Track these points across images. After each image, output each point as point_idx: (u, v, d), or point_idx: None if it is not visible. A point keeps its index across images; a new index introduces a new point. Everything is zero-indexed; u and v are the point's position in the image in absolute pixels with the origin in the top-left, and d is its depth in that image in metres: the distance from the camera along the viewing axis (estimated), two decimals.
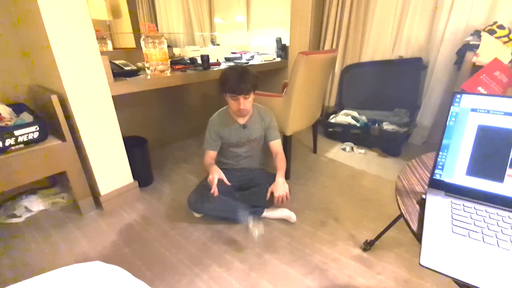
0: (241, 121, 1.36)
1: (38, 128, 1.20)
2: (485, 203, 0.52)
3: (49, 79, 1.30)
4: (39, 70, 1.40)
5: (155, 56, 1.53)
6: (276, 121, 1.45)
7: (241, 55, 2.41)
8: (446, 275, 0.38)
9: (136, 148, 1.60)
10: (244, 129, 1.37)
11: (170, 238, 1.28)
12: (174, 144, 2.40)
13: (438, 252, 0.42)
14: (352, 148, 2.21)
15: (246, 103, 1.24)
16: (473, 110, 0.55)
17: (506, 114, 0.52)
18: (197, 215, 1.41)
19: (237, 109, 1.25)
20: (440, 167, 0.57)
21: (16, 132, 1.13)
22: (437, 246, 0.43)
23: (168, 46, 1.80)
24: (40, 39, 1.16)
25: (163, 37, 1.53)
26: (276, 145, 1.43)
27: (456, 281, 0.38)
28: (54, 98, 1.20)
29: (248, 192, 1.38)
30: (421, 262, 0.40)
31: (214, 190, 1.17)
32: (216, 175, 1.19)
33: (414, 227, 0.49)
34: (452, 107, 0.56)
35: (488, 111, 0.53)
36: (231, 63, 2.16)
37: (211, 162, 1.34)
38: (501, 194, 0.51)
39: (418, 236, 0.46)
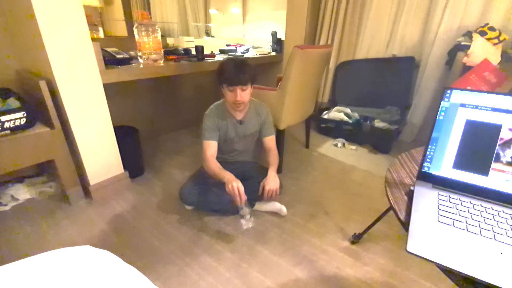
0: (238, 116, 1.33)
1: (25, 114, 1.17)
2: (470, 195, 0.54)
3: (38, 64, 1.26)
4: (28, 54, 1.35)
5: (148, 44, 1.50)
6: (271, 116, 1.45)
7: (236, 47, 2.39)
8: (431, 261, 0.39)
9: (127, 138, 1.58)
10: (241, 124, 1.34)
11: (160, 228, 1.28)
12: (166, 135, 2.38)
13: (424, 239, 0.43)
14: (343, 144, 2.24)
15: (243, 94, 1.21)
16: (462, 105, 0.56)
17: (493, 110, 0.54)
18: (188, 207, 1.40)
19: (233, 101, 1.22)
20: (429, 160, 0.58)
21: (2, 118, 1.09)
22: (423, 234, 0.44)
23: (162, 36, 1.76)
24: (29, 23, 1.12)
25: (156, 26, 1.50)
26: (270, 141, 1.42)
27: (440, 267, 0.39)
28: (42, 84, 1.16)
29: None
30: (408, 249, 0.41)
31: (242, 199, 1.11)
32: (236, 183, 1.11)
33: (402, 216, 0.50)
34: (442, 102, 0.58)
35: (477, 107, 0.55)
36: (226, 55, 2.14)
37: (218, 165, 1.25)
38: (485, 187, 0.53)
39: (405, 225, 0.48)
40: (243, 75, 1.17)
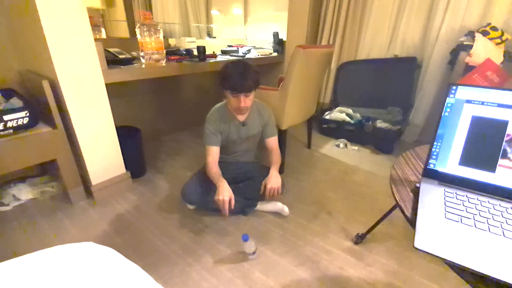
0: (241, 118, 1.32)
1: (28, 114, 1.17)
2: (477, 192, 0.53)
3: (41, 65, 1.26)
4: (31, 55, 1.36)
5: (150, 45, 1.50)
6: (274, 117, 1.44)
7: (238, 48, 2.39)
8: (439, 257, 0.39)
9: (129, 138, 1.58)
10: (244, 126, 1.33)
11: (162, 228, 1.27)
12: (168, 135, 2.38)
13: (432, 236, 0.42)
14: (345, 144, 2.23)
15: (247, 100, 1.19)
16: (468, 101, 0.56)
17: (499, 105, 0.53)
18: (190, 206, 1.40)
19: (236, 106, 1.20)
20: (434, 157, 0.58)
21: (5, 117, 1.09)
22: (430, 231, 0.43)
23: (164, 37, 1.77)
24: (33, 24, 1.13)
25: (158, 26, 1.51)
26: (273, 141, 1.41)
27: (449, 263, 0.39)
28: (45, 84, 1.16)
29: (242, 184, 1.38)
30: (415, 245, 0.40)
31: (226, 214, 1.13)
32: (227, 197, 1.13)
33: (408, 213, 0.49)
34: (447, 98, 0.57)
35: (483, 103, 0.54)
36: (228, 56, 2.15)
37: (217, 171, 1.26)
38: (493, 184, 0.53)
39: (411, 222, 0.47)
40: (247, 82, 1.14)
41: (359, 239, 1.20)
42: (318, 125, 2.46)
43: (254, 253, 1.10)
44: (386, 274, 1.06)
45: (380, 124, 2.18)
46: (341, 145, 2.21)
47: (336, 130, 2.34)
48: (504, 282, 0.35)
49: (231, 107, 1.26)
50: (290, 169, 1.84)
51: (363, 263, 1.11)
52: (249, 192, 1.35)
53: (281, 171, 1.70)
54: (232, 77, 1.14)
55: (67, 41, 1.15)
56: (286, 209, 1.37)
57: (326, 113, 2.48)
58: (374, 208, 1.44)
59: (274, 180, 1.24)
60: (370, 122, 2.22)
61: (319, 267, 1.09)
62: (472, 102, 0.55)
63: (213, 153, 1.30)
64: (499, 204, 0.49)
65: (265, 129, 1.40)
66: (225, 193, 1.14)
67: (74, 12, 1.14)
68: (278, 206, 1.38)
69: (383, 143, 2.12)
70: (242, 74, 1.13)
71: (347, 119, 2.32)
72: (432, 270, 1.07)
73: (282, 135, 1.67)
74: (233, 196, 1.16)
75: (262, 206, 1.39)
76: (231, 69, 1.15)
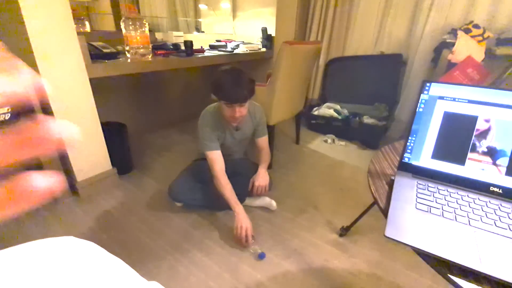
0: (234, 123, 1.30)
1: (9, 110, 1.14)
2: (447, 184, 0.56)
3: (22, 59, 1.22)
4: (12, 49, 1.31)
5: (135, 39, 1.48)
6: (265, 116, 1.41)
7: (226, 43, 2.38)
8: (407, 245, 0.41)
9: (115, 134, 1.56)
10: (237, 131, 1.31)
11: (150, 225, 1.27)
12: (155, 132, 2.35)
13: (402, 225, 0.45)
14: (333, 140, 2.27)
15: (242, 110, 1.14)
16: (440, 98, 0.58)
17: (470, 102, 0.56)
18: (178, 204, 1.40)
19: (231, 116, 1.15)
20: (409, 151, 0.60)
21: None
22: (401, 220, 0.46)
23: (150, 31, 1.74)
24: (14, 17, 1.09)
25: (144, 20, 1.48)
26: (263, 141, 1.41)
27: (416, 250, 0.41)
28: None
29: (231, 180, 1.39)
30: (386, 234, 0.42)
31: (250, 242, 1.13)
32: (249, 226, 1.13)
33: (382, 204, 0.52)
34: (422, 95, 0.59)
35: (454, 99, 0.57)
36: (216, 51, 2.13)
37: (232, 190, 1.20)
38: (462, 176, 0.55)
39: (385, 212, 0.49)
40: (242, 93, 1.08)
41: (344, 231, 1.23)
42: (307, 120, 2.48)
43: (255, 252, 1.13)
44: (369, 265, 1.10)
45: (366, 120, 2.23)
46: (329, 141, 2.25)
47: (324, 126, 2.37)
48: (465, 267, 0.38)
49: (225, 116, 1.19)
50: (278, 164, 1.86)
51: (347, 254, 1.14)
52: (238, 187, 1.35)
53: (269, 166, 1.71)
54: (226, 87, 1.08)
55: (49, 35, 1.12)
56: (274, 204, 1.39)
57: (315, 108, 2.51)
58: (359, 201, 1.48)
59: (262, 178, 1.26)
60: (357, 118, 2.26)
61: (305, 259, 1.12)
62: (444, 98, 0.57)
63: (219, 158, 1.23)
64: (467, 195, 0.52)
65: (256, 130, 1.39)
66: (246, 221, 1.13)
67: (56, 6, 1.11)
68: (266, 201, 1.40)
69: (369, 138, 2.17)
70: (236, 84, 1.08)
71: (335, 115, 2.35)
72: (413, 260, 1.11)
73: (270, 131, 1.68)
74: (250, 225, 1.14)
75: (250, 201, 1.41)
76: (225, 79, 1.09)
